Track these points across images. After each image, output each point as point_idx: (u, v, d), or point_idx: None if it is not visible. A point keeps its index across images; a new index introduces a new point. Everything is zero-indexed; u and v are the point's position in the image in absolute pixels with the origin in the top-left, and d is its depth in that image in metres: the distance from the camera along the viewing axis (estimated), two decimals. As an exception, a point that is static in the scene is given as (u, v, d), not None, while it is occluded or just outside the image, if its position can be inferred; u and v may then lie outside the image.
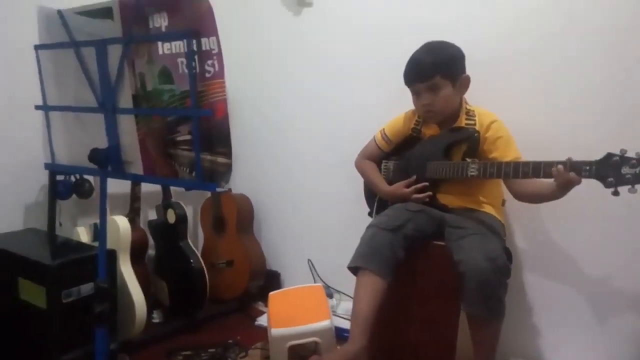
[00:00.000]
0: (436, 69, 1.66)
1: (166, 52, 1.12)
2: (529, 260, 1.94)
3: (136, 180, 2.05)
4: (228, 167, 1.08)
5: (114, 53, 1.21)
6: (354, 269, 1.65)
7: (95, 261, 1.29)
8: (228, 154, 1.08)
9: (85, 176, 2.20)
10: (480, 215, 1.72)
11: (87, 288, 1.67)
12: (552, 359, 1.92)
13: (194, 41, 1.05)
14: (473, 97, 1.81)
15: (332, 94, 2.44)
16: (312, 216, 2.59)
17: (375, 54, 2.25)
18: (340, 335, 1.92)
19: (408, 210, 1.72)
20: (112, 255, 1.76)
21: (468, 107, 1.77)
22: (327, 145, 2.48)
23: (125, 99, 1.21)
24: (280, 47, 2.60)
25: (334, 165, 2.42)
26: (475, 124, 1.73)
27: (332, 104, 2.44)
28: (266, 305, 2.16)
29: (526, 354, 1.97)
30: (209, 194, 2.60)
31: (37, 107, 1.42)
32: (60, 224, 2.18)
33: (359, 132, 2.04)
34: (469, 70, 1.74)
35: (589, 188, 1.40)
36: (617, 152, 1.33)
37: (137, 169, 1.23)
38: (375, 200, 1.98)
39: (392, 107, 1.91)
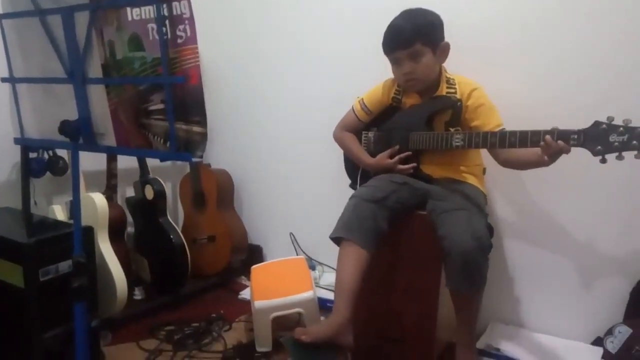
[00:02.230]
0: (417, 36, 1.64)
1: (135, 18, 1.07)
2: (510, 227, 1.97)
3: (109, 152, 2.00)
4: (204, 136, 1.05)
5: (81, 20, 1.16)
6: (336, 240, 1.64)
7: (72, 238, 1.27)
8: (203, 123, 1.05)
9: (59, 153, 2.15)
10: (463, 187, 1.71)
11: (65, 266, 1.64)
12: (531, 324, 1.97)
13: (164, 5, 1.01)
14: (455, 66, 1.79)
15: (311, 64, 2.41)
16: (292, 189, 2.58)
17: (354, 15, 2.22)
18: (323, 305, 1.94)
19: (392, 182, 1.70)
20: (89, 232, 1.73)
21: (448, 76, 1.76)
22: (307, 118, 2.46)
23: (94, 69, 1.17)
24: (256, 15, 2.55)
25: (314, 137, 2.40)
26: (456, 92, 1.72)
27: (311, 74, 2.42)
28: (249, 279, 2.16)
29: (506, 319, 2.01)
30: (187, 169, 2.57)
31: (3, 80, 1.36)
32: (36, 203, 2.13)
33: (340, 104, 2.00)
34: (450, 39, 1.72)
35: (571, 155, 1.41)
36: (604, 119, 1.33)
37: (110, 140, 1.20)
38: (358, 172, 1.97)
39: (375, 74, 1.87)
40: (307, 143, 2.47)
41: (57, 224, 1.88)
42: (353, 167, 1.99)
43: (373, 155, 1.84)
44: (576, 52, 1.76)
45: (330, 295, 1.69)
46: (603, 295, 1.81)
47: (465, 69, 1.79)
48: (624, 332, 1.66)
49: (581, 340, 1.85)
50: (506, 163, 1.65)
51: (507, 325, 1.98)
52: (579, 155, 1.37)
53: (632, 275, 1.73)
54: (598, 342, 1.78)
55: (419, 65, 1.68)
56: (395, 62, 1.73)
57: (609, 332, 1.69)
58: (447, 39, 1.71)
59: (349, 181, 2.04)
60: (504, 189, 1.95)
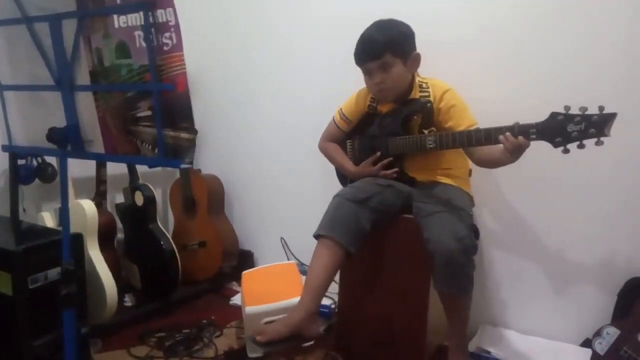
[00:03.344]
0: (387, 47, 1.66)
1: (122, 25, 1.08)
2: (497, 230, 1.98)
3: (97, 160, 2.00)
4: (192, 142, 1.05)
5: (69, 28, 1.16)
6: (319, 238, 1.65)
7: (61, 245, 1.26)
8: (191, 129, 1.05)
9: (48, 160, 2.14)
10: (447, 189, 1.73)
11: (54, 273, 1.64)
12: (521, 326, 1.98)
13: (150, 13, 1.01)
14: (437, 76, 1.81)
15: (301, 69, 2.42)
16: (283, 195, 2.59)
17: (343, 20, 2.23)
18: (314, 310, 1.93)
19: (377, 184, 1.73)
20: (78, 239, 1.73)
21: (420, 80, 1.78)
22: (297, 123, 2.47)
23: (82, 76, 1.17)
24: (246, 21, 2.55)
25: (305, 142, 2.39)
26: (429, 96, 1.74)
27: (301, 79, 2.43)
28: (240, 285, 2.16)
29: (496, 322, 2.02)
30: (177, 175, 2.57)
31: (-9, 87, 1.36)
32: (24, 210, 2.12)
33: (331, 110, 2.00)
34: (429, 50, 1.73)
35: (554, 156, 1.42)
36: (562, 110, 1.34)
37: (98, 147, 1.19)
38: (347, 179, 1.97)
39: (360, 77, 1.87)
40: (298, 148, 2.47)
41: (46, 231, 1.87)
42: (344, 175, 2.00)
43: (359, 162, 1.85)
44: (569, 56, 1.78)
45: (322, 301, 1.68)
46: (591, 297, 1.83)
47: (447, 80, 1.80)
48: (612, 333, 1.67)
49: (570, 342, 1.86)
50: (479, 162, 1.66)
51: (496, 328, 1.99)
52: (563, 156, 1.37)
53: (619, 277, 1.75)
54: (587, 343, 1.79)
55: (389, 75, 1.69)
56: (366, 73, 1.75)
57: (598, 333, 1.70)
58: (429, 51, 1.73)
59: (339, 186, 2.05)
60: (490, 193, 1.96)
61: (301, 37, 2.39)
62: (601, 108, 1.28)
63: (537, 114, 1.55)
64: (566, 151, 1.34)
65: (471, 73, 1.91)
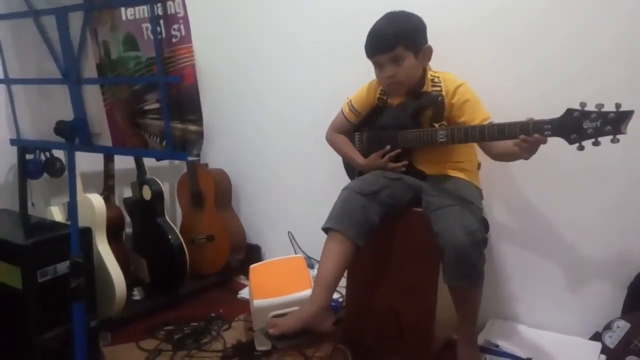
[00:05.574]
0: (398, 40, 1.64)
1: (130, 17, 1.07)
2: (507, 223, 1.97)
3: (105, 152, 1.98)
4: (200, 135, 1.05)
5: (76, 21, 1.16)
6: (327, 231, 1.65)
7: (70, 239, 1.27)
8: (199, 121, 1.05)
9: (56, 154, 2.15)
10: (457, 182, 1.72)
11: (63, 267, 1.64)
12: (530, 320, 1.97)
13: (159, 5, 1.01)
14: (442, 68, 1.79)
15: (308, 63, 2.41)
16: (290, 188, 2.59)
17: (350, 13, 2.22)
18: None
19: (385, 177, 1.72)
20: (86, 233, 1.73)
21: (432, 74, 1.76)
22: (304, 116, 2.46)
23: (89, 69, 1.17)
24: (253, 14, 2.55)
25: (312, 135, 2.38)
26: (441, 90, 1.72)
27: (308, 73, 2.42)
28: (248, 279, 2.16)
29: (505, 315, 2.01)
30: (184, 169, 2.57)
31: (-1, 82, 1.36)
32: (33, 204, 2.13)
33: (338, 103, 1.99)
34: (436, 41, 1.71)
35: (565, 150, 1.41)
36: (577, 106, 1.32)
37: (106, 140, 1.20)
38: (356, 172, 1.97)
39: (372, 72, 1.87)
40: (305, 141, 2.47)
41: (55, 225, 1.88)
42: (352, 168, 1.99)
43: (367, 155, 1.84)
44: (562, 50, 1.77)
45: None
46: (601, 290, 1.81)
47: (455, 71, 1.78)
48: (622, 326, 1.66)
49: (580, 336, 1.85)
50: (496, 156, 1.65)
51: (505, 322, 1.98)
52: (572, 149, 1.35)
53: (629, 270, 1.73)
54: (597, 337, 1.78)
55: (400, 68, 1.67)
56: (377, 66, 1.73)
57: (608, 326, 1.70)
58: (436, 42, 1.71)
59: (346, 179, 2.04)
60: (499, 186, 1.95)
61: (308, 32, 2.37)
62: (618, 105, 1.26)
63: (540, 106, 1.56)
64: (581, 148, 1.32)
65: (475, 63, 1.90)
